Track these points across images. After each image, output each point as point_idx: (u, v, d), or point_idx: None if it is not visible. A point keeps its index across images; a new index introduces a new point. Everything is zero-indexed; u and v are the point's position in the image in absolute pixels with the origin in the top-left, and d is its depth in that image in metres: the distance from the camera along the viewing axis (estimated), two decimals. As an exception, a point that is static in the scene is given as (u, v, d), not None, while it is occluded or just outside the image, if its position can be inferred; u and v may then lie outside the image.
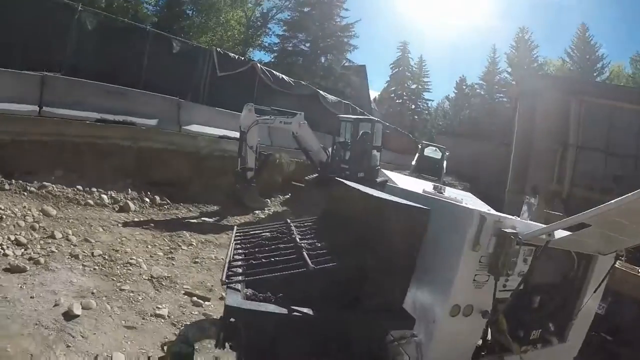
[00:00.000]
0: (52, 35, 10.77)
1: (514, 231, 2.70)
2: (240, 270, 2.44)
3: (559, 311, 3.31)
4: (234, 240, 3.00)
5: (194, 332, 2.79)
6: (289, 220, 3.35)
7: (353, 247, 2.47)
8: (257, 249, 2.79)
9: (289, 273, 2.29)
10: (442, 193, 3.73)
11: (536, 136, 17.31)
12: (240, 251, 2.80)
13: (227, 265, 2.40)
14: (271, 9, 31.25)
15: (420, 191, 3.63)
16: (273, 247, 2.81)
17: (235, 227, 3.47)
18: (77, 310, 4.46)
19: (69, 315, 4.39)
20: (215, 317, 5.32)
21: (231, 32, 29.57)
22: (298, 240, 2.80)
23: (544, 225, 2.80)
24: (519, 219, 3.06)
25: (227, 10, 29.00)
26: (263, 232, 3.23)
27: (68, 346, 4.01)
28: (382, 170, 10.66)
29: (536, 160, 17.07)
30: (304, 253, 2.49)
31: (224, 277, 2.19)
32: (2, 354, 3.61)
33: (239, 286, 2.27)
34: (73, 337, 4.15)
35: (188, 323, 5.01)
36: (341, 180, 3.37)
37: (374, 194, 2.75)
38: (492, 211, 3.13)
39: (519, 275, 2.79)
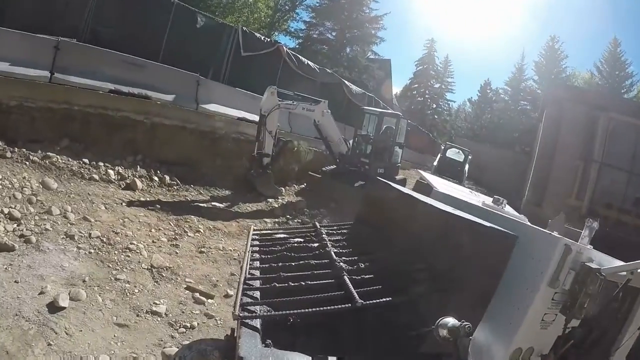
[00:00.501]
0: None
1: (597, 266, 2.22)
2: (258, 295, 1.80)
3: (597, 346, 2.86)
4: (251, 246, 2.37)
5: (193, 355, 2.20)
6: (318, 225, 2.73)
7: (412, 276, 1.84)
8: (280, 264, 2.16)
9: (332, 309, 1.67)
10: (503, 207, 3.07)
11: (559, 148, 16.95)
12: (258, 263, 2.17)
13: (241, 285, 1.77)
14: (300, -7, 30.51)
15: (478, 203, 2.99)
16: (302, 262, 2.18)
17: (252, 227, 2.85)
18: (64, 302, 3.94)
19: (54, 307, 3.88)
20: (218, 319, 4.79)
21: (257, 15, 28.93)
22: (334, 255, 2.17)
23: (621, 262, 2.41)
24: (593, 248, 2.59)
25: (256, -9, 28.37)
26: (288, 238, 2.58)
27: (49, 344, 3.49)
28: (419, 171, 10.01)
29: (557, 173, 16.83)
30: (346, 279, 1.86)
31: (238, 308, 1.58)
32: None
33: (257, 322, 1.61)
34: (56, 333, 3.63)
35: (188, 322, 4.50)
36: (389, 183, 2.71)
37: (447, 210, 2.08)
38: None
39: None
